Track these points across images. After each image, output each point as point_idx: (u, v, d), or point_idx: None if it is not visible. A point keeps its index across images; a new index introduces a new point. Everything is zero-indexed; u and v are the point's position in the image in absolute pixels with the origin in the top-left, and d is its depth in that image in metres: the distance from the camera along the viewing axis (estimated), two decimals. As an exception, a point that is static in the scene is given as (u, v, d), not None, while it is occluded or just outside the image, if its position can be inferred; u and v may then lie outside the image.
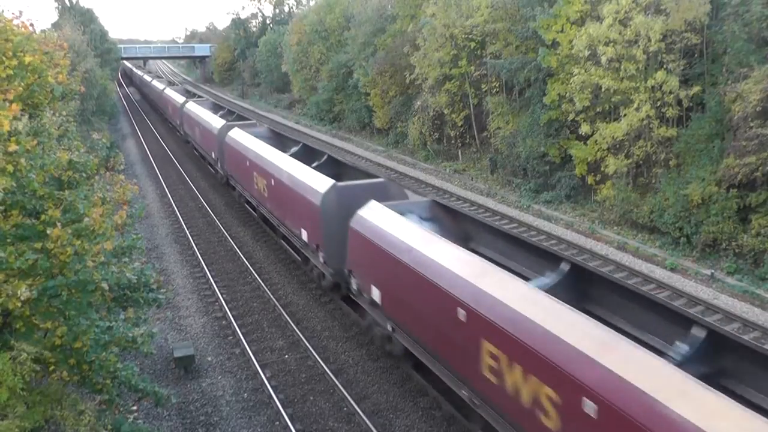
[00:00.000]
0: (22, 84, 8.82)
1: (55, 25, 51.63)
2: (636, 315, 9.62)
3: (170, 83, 66.12)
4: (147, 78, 79.38)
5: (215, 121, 30.36)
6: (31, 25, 10.05)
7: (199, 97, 48.11)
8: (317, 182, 16.54)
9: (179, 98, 45.05)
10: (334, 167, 19.95)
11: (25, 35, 9.61)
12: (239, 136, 25.09)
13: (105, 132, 37.17)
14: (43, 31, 13.97)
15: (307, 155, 21.49)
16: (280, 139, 25.96)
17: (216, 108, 38.45)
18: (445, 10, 32.66)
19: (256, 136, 24.09)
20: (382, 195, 15.16)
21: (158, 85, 63.21)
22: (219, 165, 29.30)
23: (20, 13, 9.87)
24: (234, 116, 33.85)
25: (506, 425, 9.60)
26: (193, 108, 37.37)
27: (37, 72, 9.46)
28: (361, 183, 16.34)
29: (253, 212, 24.94)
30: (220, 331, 16.45)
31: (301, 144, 23.30)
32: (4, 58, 8.71)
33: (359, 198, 14.80)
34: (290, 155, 20.64)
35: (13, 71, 8.65)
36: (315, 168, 18.23)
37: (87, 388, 8.71)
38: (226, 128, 27.61)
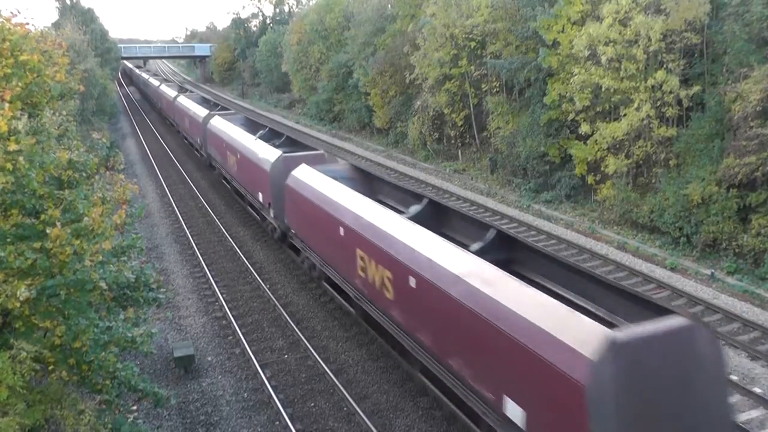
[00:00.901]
0: (20, 83, 8.80)
1: (56, 25, 51.65)
2: None
3: (182, 89, 55.45)
4: (153, 82, 67.50)
5: (265, 151, 21.56)
6: (27, 24, 10.01)
7: (225, 109, 37.12)
8: (565, 328, 8.10)
9: (199, 111, 35.57)
10: (506, 248, 11.74)
11: (23, 34, 9.58)
12: (314, 179, 16.92)
13: (105, 131, 37.14)
14: (41, 30, 13.96)
15: (440, 219, 13.67)
16: (371, 184, 17.38)
17: (252, 126, 29.06)
18: (445, 10, 32.66)
19: (343, 181, 16.38)
20: (697, 354, 7.95)
21: (168, 91, 51.86)
22: (272, 214, 20.69)
23: (18, 12, 9.84)
24: (283, 139, 24.52)
25: None
26: (222, 126, 28.70)
27: (35, 71, 9.44)
28: (659, 332, 7.84)
29: (346, 305, 15.90)
30: (220, 331, 16.45)
31: (426, 201, 14.27)
32: (1, 58, 8.70)
33: (664, 368, 7.64)
34: (412, 218, 13.01)
35: (11, 71, 8.63)
36: (479, 253, 10.76)
37: (87, 388, 8.71)
38: (285, 162, 19.56)
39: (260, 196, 21.99)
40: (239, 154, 24.55)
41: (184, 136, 42.69)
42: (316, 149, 22.37)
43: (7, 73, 8.38)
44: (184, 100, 42.22)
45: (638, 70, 22.25)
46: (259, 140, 23.19)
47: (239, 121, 30.41)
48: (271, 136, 25.19)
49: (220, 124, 29.40)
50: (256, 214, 24.04)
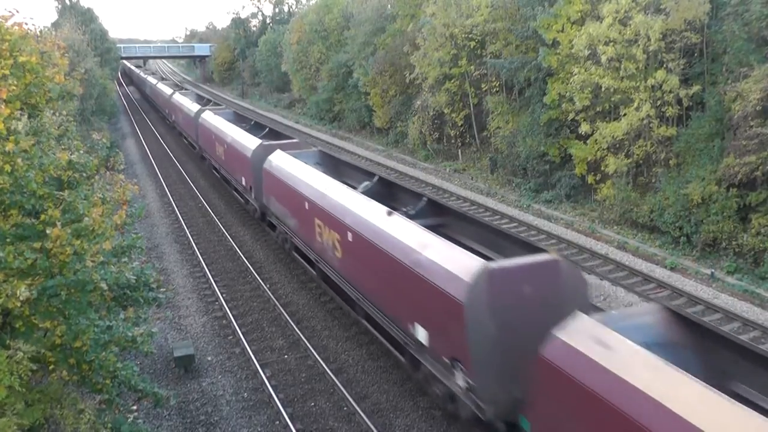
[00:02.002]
0: (18, 84, 8.78)
1: (55, 25, 51.64)
2: None
3: (201, 98, 44.59)
4: (163, 89, 54.10)
5: (437, 249, 11.29)
6: (26, 24, 9.97)
7: (276, 134, 26.72)
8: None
9: (246, 139, 24.20)
10: None
11: (21, 35, 9.55)
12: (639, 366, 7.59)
13: (105, 132, 37.13)
14: (40, 30, 13.92)
15: None
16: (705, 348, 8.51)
17: (339, 168, 19.89)
18: (444, 10, 32.68)
19: (660, 350, 7.86)
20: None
21: (186, 103, 40.77)
22: (461, 383, 10.64)
23: (16, 11, 9.79)
24: (423, 204, 14.58)
25: None
26: (294, 169, 18.51)
27: (34, 72, 9.42)
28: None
29: None
30: (220, 331, 16.46)
31: None
32: (0, 59, 8.70)
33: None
34: None
35: (10, 71, 8.62)
36: None
37: (87, 388, 8.72)
38: (496, 285, 10.01)
39: (423, 334, 11.38)
40: (350, 232, 13.99)
41: (214, 165, 31.46)
42: (538, 247, 11.43)
43: (6, 74, 8.37)
44: (215, 120, 30.67)
45: (638, 69, 22.25)
46: (396, 215, 12.99)
47: (313, 158, 20.18)
48: (393, 192, 16.31)
49: (289, 165, 19.08)
50: (397, 354, 13.41)
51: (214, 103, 41.36)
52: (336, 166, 20.17)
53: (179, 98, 44.06)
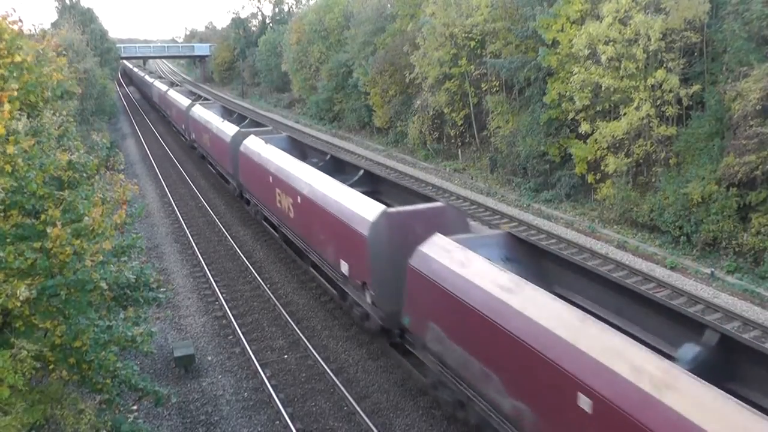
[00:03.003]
0: (17, 84, 8.76)
1: (55, 25, 51.65)
2: None
3: (231, 113, 34.57)
4: (178, 99, 42.92)
5: None
6: (20, 20, 9.93)
7: (400, 189, 16.86)
8: None
9: (346, 198, 14.70)
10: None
11: (17, 33, 9.53)
12: None
13: (105, 132, 37.06)
14: (39, 30, 13.92)
15: None
16: None
17: (547, 266, 11.33)
18: (444, 9, 32.69)
19: None
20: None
21: (215, 121, 29.66)
22: None
23: (14, 11, 9.77)
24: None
25: None
26: (498, 288, 9.63)
27: (32, 71, 9.41)
28: None
29: None
30: (220, 331, 16.46)
31: None
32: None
33: None
34: None
35: (8, 70, 8.61)
36: None
37: (87, 388, 8.71)
38: None
39: None
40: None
41: (268, 218, 21.83)
42: None
43: (3, 74, 8.36)
44: (269, 153, 20.79)
45: (638, 69, 22.26)
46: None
47: (498, 248, 11.90)
48: (741, 365, 7.95)
49: (474, 272, 10.38)
50: None
51: (252, 120, 31.13)
52: (538, 261, 11.64)
53: (202, 113, 33.30)
